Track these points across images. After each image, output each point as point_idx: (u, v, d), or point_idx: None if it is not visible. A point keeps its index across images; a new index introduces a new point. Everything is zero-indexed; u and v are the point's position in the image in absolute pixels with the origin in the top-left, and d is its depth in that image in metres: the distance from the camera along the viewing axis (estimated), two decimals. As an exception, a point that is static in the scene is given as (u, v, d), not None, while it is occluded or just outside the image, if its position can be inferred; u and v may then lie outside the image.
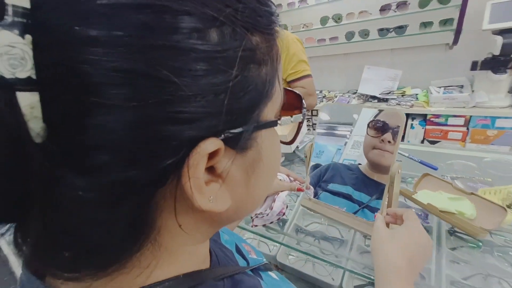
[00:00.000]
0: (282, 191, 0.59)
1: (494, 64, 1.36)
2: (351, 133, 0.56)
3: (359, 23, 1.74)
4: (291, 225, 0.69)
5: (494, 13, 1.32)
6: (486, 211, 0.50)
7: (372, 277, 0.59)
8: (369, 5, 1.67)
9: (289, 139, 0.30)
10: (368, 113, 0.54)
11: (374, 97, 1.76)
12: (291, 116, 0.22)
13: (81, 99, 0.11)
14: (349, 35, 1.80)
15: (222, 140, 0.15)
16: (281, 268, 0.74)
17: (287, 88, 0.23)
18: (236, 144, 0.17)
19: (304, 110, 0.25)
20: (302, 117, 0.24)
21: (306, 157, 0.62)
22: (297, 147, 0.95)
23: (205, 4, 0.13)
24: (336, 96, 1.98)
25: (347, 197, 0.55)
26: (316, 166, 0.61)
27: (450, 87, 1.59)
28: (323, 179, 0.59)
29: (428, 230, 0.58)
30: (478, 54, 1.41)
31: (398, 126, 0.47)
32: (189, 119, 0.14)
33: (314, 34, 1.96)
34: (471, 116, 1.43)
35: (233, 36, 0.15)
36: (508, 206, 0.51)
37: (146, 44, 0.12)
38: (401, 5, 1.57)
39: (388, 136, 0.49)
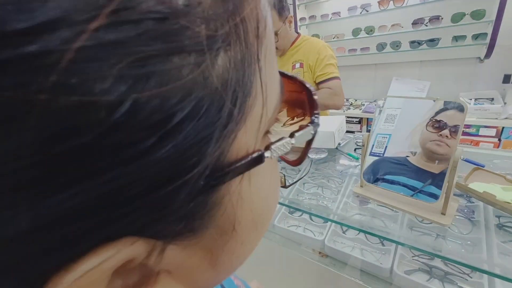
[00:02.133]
0: None
1: (528, 78, 1.39)
2: (382, 106, 0.61)
3: (391, 35, 1.81)
4: (335, 216, 0.73)
5: (528, 29, 1.37)
6: (540, 200, 0.54)
7: (421, 261, 0.63)
8: (402, 18, 1.74)
9: (293, 156, 0.17)
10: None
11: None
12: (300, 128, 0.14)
13: None
14: (380, 47, 1.87)
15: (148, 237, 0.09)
16: (326, 254, 0.78)
17: (285, 73, 0.15)
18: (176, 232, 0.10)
19: (316, 116, 0.15)
20: (313, 127, 0.14)
21: (363, 145, 0.67)
22: (339, 143, 0.99)
23: None
24: (363, 104, 2.03)
25: (402, 184, 0.60)
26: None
27: (480, 99, 1.62)
28: (379, 173, 0.65)
29: (475, 224, 0.61)
30: (510, 68, 1.45)
31: (457, 125, 0.53)
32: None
33: (345, 44, 2.04)
34: (503, 128, 1.45)
35: None
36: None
37: None
38: (434, 20, 1.63)
39: (446, 132, 0.55)
